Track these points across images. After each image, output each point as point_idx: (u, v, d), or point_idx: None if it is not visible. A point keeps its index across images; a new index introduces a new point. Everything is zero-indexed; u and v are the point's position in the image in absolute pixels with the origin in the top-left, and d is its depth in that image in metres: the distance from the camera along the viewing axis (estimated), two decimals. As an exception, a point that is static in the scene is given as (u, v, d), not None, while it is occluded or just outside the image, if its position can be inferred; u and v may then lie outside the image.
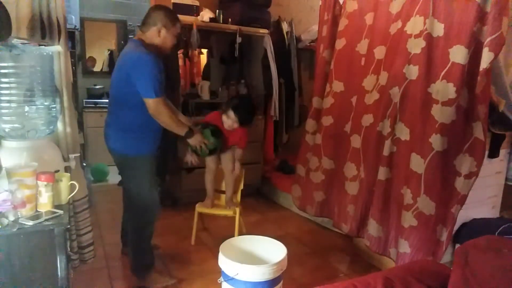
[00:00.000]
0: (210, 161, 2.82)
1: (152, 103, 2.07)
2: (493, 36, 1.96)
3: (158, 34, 2.17)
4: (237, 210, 2.81)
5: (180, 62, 3.63)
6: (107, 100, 3.28)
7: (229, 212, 2.84)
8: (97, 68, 5.28)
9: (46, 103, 1.65)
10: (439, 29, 2.15)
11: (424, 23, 2.20)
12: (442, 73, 2.14)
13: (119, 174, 2.36)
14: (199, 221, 2.95)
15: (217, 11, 3.77)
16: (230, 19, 3.76)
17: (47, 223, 1.34)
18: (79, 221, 2.05)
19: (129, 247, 2.37)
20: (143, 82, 2.06)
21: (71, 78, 1.98)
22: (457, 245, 2.33)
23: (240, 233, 2.83)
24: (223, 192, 2.96)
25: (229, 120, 2.65)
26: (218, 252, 1.81)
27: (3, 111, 1.54)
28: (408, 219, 2.26)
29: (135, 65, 2.07)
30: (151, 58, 2.09)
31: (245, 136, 2.79)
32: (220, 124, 2.67)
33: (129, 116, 2.18)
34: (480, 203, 2.52)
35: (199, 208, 2.86)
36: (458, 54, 2.07)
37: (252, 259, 1.90)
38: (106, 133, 2.30)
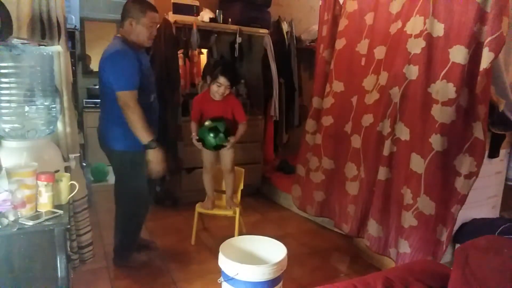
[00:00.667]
0: (206, 161, 2.82)
1: (122, 95, 2.07)
2: (493, 36, 1.96)
3: (131, 27, 2.14)
4: (237, 210, 2.81)
5: (180, 62, 3.63)
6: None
7: (229, 212, 2.84)
8: (94, 66, 5.28)
9: (46, 103, 1.65)
10: (439, 29, 2.15)
11: (424, 23, 2.20)
12: (442, 73, 2.14)
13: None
14: (199, 221, 2.95)
15: (217, 11, 3.76)
16: (230, 19, 3.76)
17: (47, 223, 1.34)
18: (79, 221, 2.06)
19: (116, 231, 2.44)
20: (113, 75, 2.08)
21: (71, 78, 1.98)
22: (457, 245, 2.32)
23: (240, 233, 2.83)
24: (224, 192, 2.96)
25: (220, 88, 2.61)
26: (218, 252, 1.81)
27: (3, 111, 1.54)
28: (408, 219, 2.26)
29: (108, 60, 2.10)
30: (125, 52, 2.10)
31: (239, 106, 2.76)
32: (212, 104, 2.66)
33: (116, 111, 2.17)
34: (480, 203, 2.52)
35: (199, 208, 2.86)
36: (458, 54, 2.07)
37: (252, 259, 1.90)
38: (99, 129, 2.31)
